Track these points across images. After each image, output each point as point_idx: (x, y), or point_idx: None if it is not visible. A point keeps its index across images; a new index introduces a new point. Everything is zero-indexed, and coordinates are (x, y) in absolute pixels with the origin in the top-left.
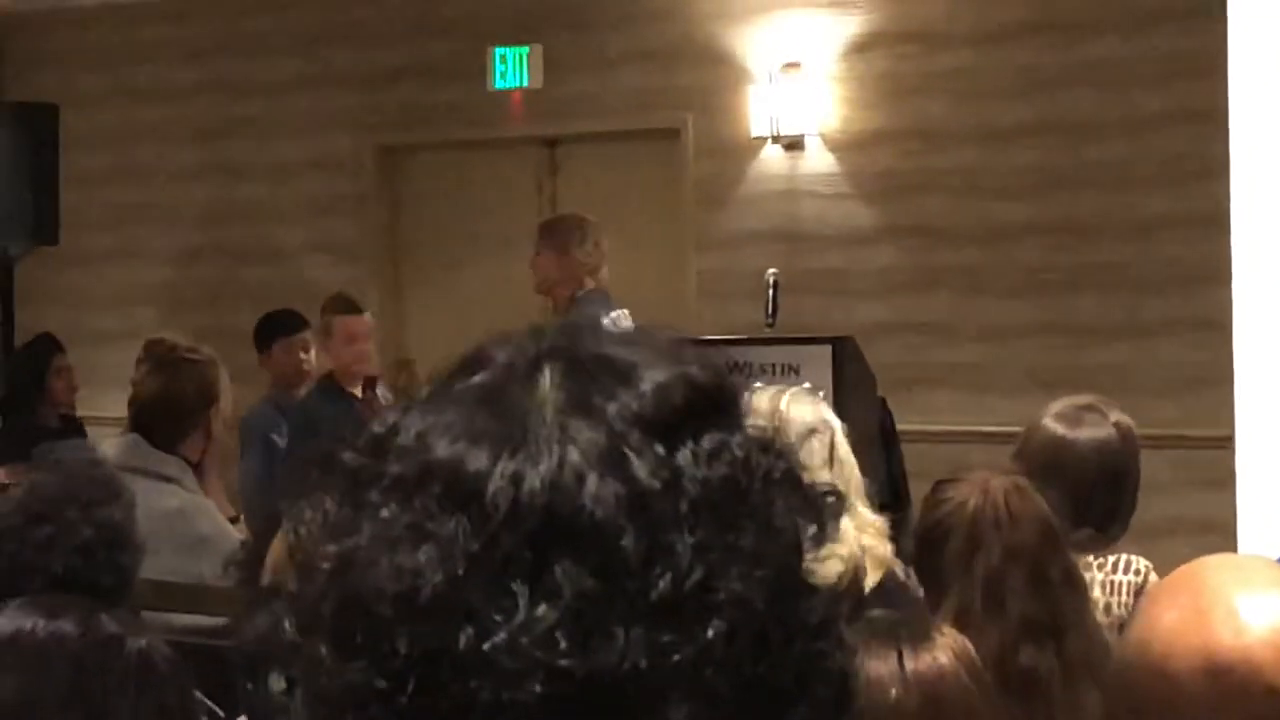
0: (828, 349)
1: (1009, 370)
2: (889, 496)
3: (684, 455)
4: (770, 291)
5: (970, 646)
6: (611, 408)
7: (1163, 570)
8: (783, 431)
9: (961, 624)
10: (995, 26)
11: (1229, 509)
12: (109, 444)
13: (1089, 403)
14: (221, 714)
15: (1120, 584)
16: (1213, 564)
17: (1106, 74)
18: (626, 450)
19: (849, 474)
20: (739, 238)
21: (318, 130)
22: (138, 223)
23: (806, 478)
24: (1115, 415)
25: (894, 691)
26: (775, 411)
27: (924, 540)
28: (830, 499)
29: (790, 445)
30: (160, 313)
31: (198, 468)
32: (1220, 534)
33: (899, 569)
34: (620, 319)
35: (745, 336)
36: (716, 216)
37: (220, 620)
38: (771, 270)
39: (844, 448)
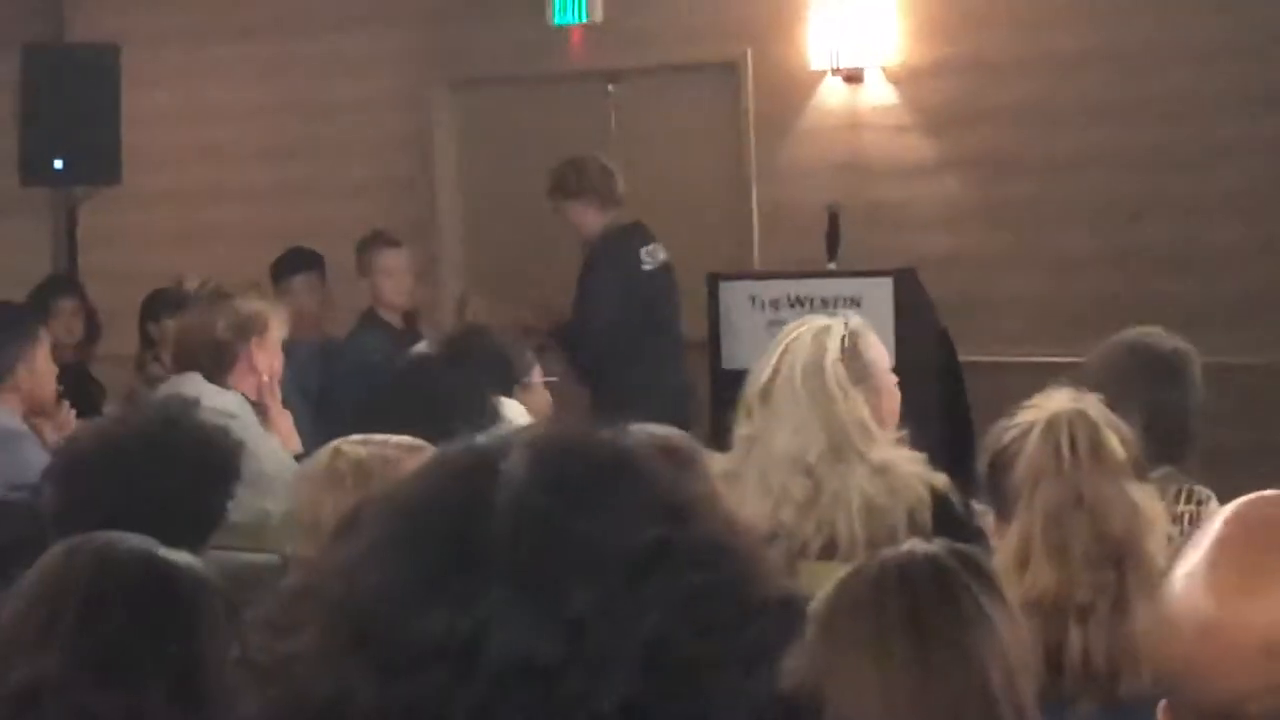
0: (889, 282)
1: (1073, 301)
2: (950, 427)
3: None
4: (831, 224)
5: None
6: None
7: (1229, 500)
8: (778, 375)
9: (1022, 558)
10: None
11: None
12: (170, 383)
13: (1151, 331)
14: None
15: (1181, 514)
16: (1232, 523)
17: (1169, 2)
18: None
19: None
20: (799, 171)
21: (379, 67)
22: (200, 163)
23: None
24: (1176, 343)
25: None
26: (777, 348)
27: (992, 465)
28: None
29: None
30: (224, 252)
31: (257, 404)
32: None
33: (955, 499)
34: (655, 251)
35: (806, 270)
36: (776, 150)
37: (283, 558)
38: (831, 203)
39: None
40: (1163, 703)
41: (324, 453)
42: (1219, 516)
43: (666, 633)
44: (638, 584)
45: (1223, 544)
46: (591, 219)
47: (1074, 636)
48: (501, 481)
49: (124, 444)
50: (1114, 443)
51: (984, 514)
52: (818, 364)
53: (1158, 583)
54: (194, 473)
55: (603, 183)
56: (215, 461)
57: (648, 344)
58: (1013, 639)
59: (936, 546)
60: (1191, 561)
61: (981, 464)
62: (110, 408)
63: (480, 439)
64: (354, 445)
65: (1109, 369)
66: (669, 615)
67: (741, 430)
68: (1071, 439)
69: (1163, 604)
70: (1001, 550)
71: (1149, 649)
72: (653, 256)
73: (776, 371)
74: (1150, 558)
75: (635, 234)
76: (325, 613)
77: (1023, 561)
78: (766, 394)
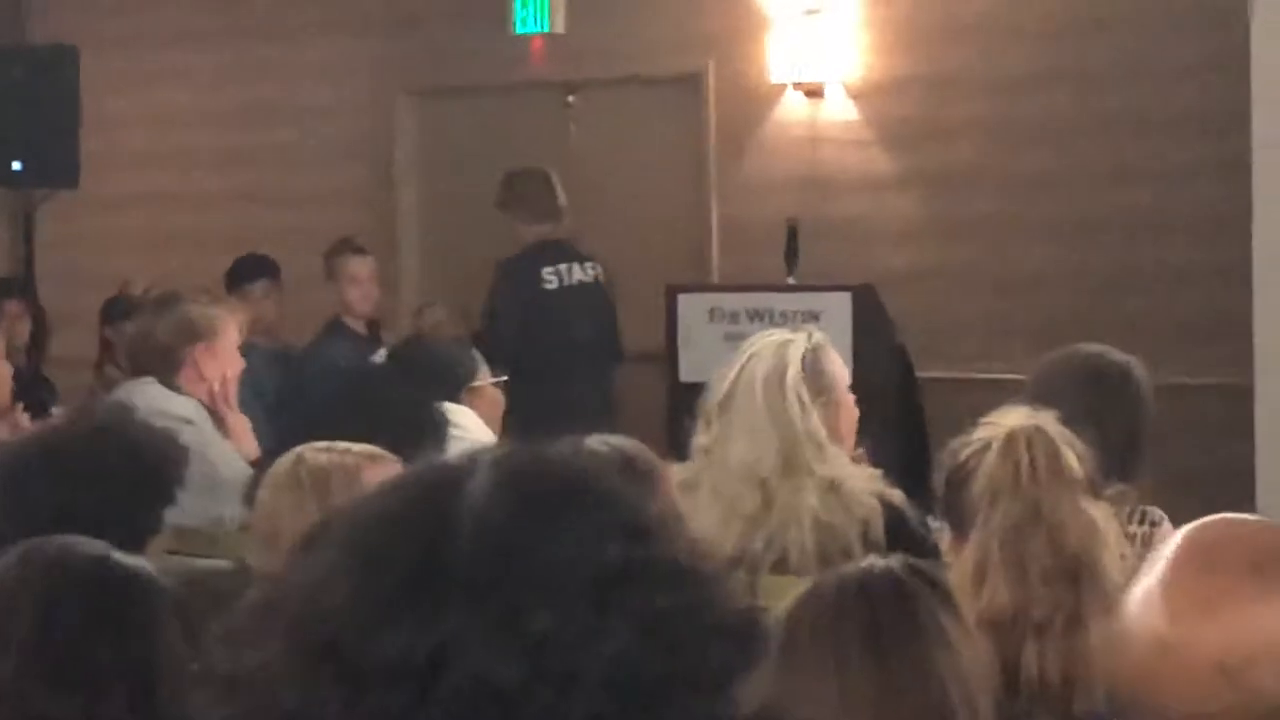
0: (847, 297)
1: (1030, 319)
2: (907, 444)
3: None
4: (790, 238)
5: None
6: None
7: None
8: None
9: (979, 574)
10: None
11: (1249, 458)
12: (124, 388)
13: (1095, 346)
14: None
15: (1134, 535)
16: (1190, 540)
17: (1131, 20)
18: None
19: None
20: (759, 184)
21: (341, 74)
22: (159, 167)
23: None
24: (1123, 358)
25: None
26: (738, 361)
27: (949, 481)
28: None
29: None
30: (183, 257)
31: (211, 410)
32: (1240, 483)
33: (911, 515)
34: (567, 270)
35: (765, 284)
36: (736, 163)
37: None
38: (791, 217)
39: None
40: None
41: (286, 460)
42: (1175, 537)
43: (629, 653)
44: (600, 605)
45: (1179, 564)
46: (520, 232)
47: (1029, 653)
48: (466, 501)
49: (57, 450)
50: (1072, 460)
51: (939, 531)
52: (778, 376)
53: (1114, 599)
54: (127, 478)
55: (533, 196)
56: (150, 467)
57: (557, 360)
58: (970, 655)
59: (894, 562)
60: (1148, 581)
61: (938, 480)
62: (57, 411)
63: (447, 457)
64: (316, 453)
65: (1054, 384)
66: (631, 636)
67: (700, 439)
68: (1030, 456)
69: (1118, 622)
70: (958, 566)
71: (1104, 666)
72: (560, 275)
73: (737, 382)
74: (1106, 574)
75: (546, 251)
76: (289, 627)
77: (980, 578)
78: (726, 404)
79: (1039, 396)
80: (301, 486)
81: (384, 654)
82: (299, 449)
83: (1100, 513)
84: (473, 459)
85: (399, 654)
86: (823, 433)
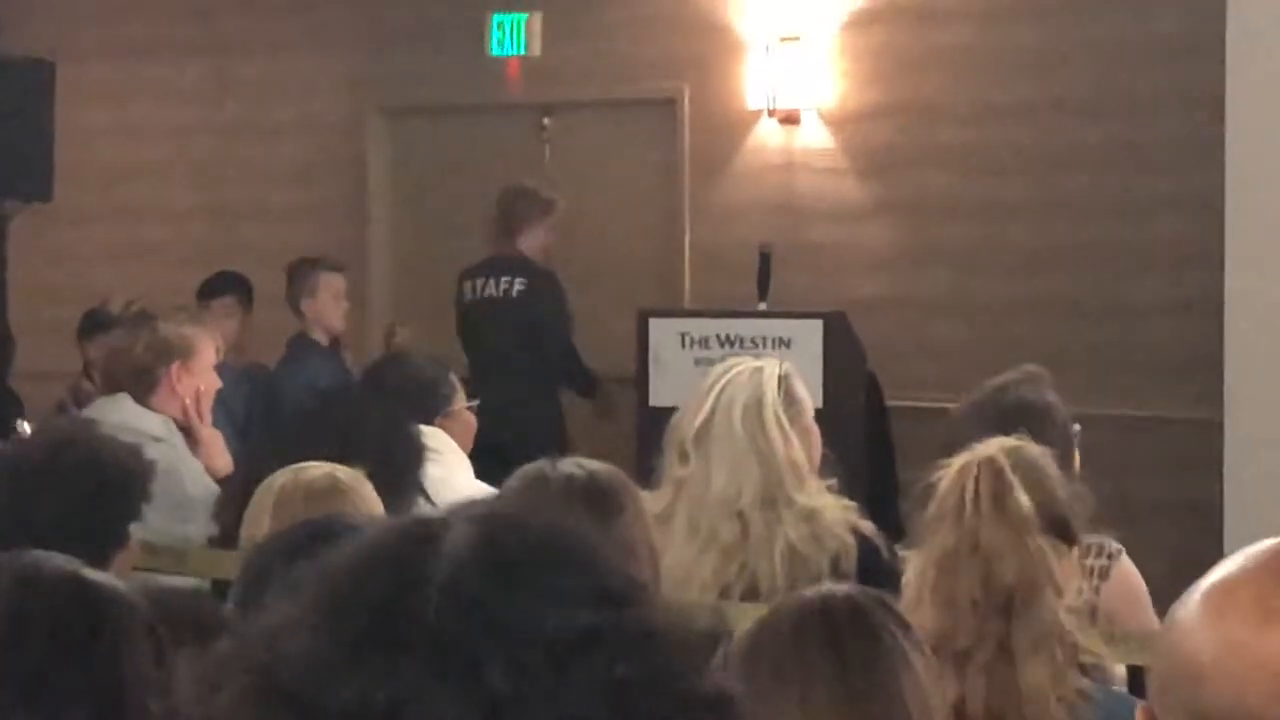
0: (819, 324)
1: (1001, 348)
2: (876, 471)
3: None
4: (762, 265)
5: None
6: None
7: (1148, 554)
8: (714, 416)
9: (916, 599)
10: (995, 3)
11: (1217, 492)
12: (98, 404)
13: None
14: None
15: (1091, 568)
16: None
17: (1106, 53)
18: None
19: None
20: (733, 210)
21: (315, 92)
22: (133, 182)
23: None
24: (1042, 394)
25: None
26: (712, 389)
27: (919, 500)
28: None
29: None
30: (154, 272)
31: (184, 426)
32: (1208, 517)
33: (882, 547)
34: (483, 285)
35: (737, 309)
36: (711, 188)
37: (203, 582)
38: (764, 243)
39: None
40: (1141, 704)
41: (279, 478)
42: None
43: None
44: (562, 670)
45: (1272, 563)
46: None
47: (949, 683)
48: (440, 557)
49: (17, 462)
50: (1019, 497)
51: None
52: (756, 404)
53: (1050, 635)
54: (88, 492)
55: (495, 214)
56: (113, 481)
57: (477, 373)
58: (929, 681)
59: (853, 589)
60: (1233, 570)
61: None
62: (22, 425)
63: (427, 511)
64: (298, 472)
65: (974, 429)
66: (593, 703)
67: (676, 472)
68: (976, 486)
69: (1192, 604)
70: (905, 589)
71: (1155, 650)
72: (476, 289)
73: (713, 412)
74: (1044, 609)
75: (476, 266)
76: (252, 670)
77: (915, 602)
78: (703, 435)
79: (957, 443)
80: (286, 508)
81: (342, 701)
82: (295, 467)
83: (1050, 550)
84: (453, 515)
85: (351, 706)
86: (804, 461)
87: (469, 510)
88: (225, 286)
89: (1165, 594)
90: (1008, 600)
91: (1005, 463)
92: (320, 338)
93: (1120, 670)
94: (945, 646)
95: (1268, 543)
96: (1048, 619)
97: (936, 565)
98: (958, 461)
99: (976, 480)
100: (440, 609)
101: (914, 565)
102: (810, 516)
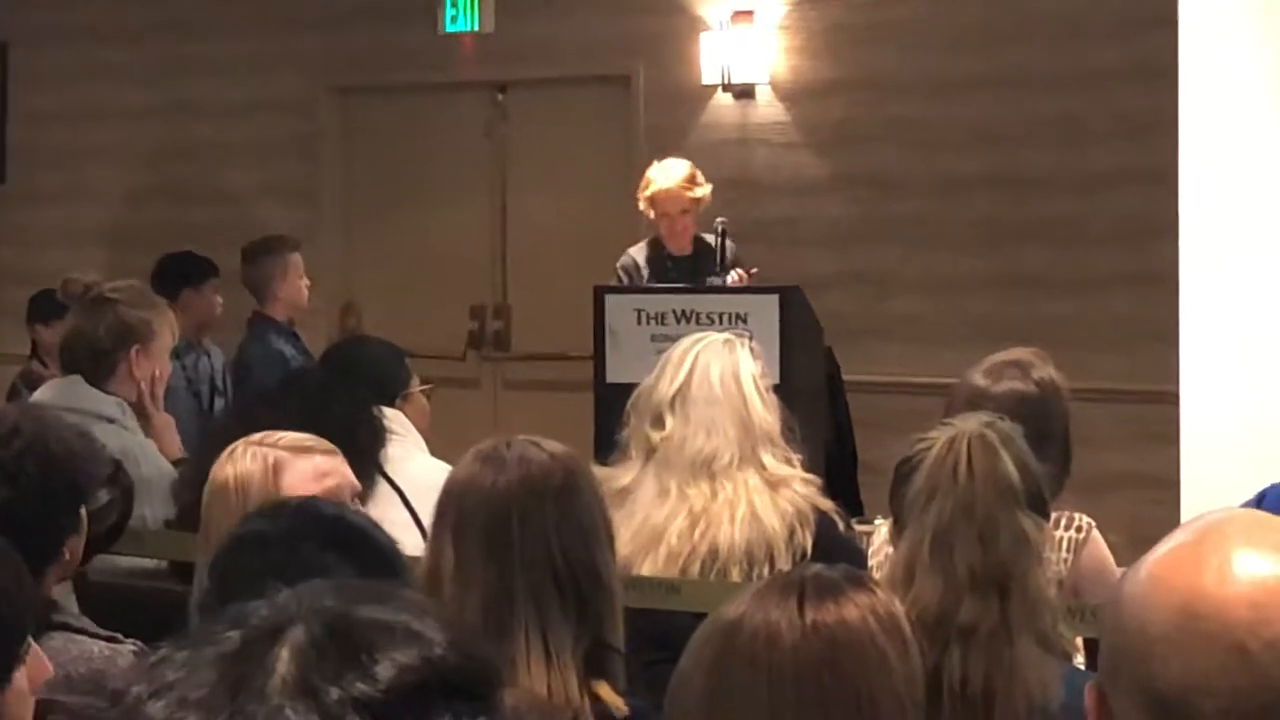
0: (775, 298)
1: (957, 322)
2: (834, 447)
3: None
4: (719, 240)
5: (895, 603)
6: (333, 693)
7: (1106, 525)
8: (692, 379)
9: (909, 571)
10: None
11: (1174, 464)
12: (49, 385)
13: (1016, 358)
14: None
15: (1061, 540)
16: (1239, 516)
17: (1058, 26)
18: None
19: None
20: None
21: (269, 71)
22: (87, 162)
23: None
24: (1041, 372)
25: (789, 639)
26: (686, 356)
27: (897, 473)
28: None
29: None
30: (109, 253)
31: (138, 409)
32: (1165, 489)
33: (840, 523)
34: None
35: (693, 285)
36: None
37: (161, 563)
38: (720, 219)
39: (755, 399)
40: (1090, 682)
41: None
42: (1219, 512)
43: None
44: None
45: (1222, 533)
46: None
47: (954, 657)
48: (278, 651)
49: None
50: (1009, 469)
51: (866, 531)
52: (734, 369)
53: (1040, 613)
54: (39, 477)
55: None
56: (63, 466)
57: None
58: (906, 672)
59: (834, 571)
60: (1181, 541)
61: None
62: None
63: (272, 603)
64: (245, 448)
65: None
66: None
67: (650, 437)
68: (969, 458)
69: (1139, 578)
70: (890, 564)
71: (1103, 626)
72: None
73: (691, 374)
74: (1035, 588)
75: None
76: None
77: (909, 577)
78: (682, 398)
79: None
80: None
81: None
82: (258, 436)
83: (1034, 528)
84: (297, 605)
85: None
86: (776, 430)
87: (310, 598)
88: (191, 267)
89: (1123, 566)
90: (1003, 576)
91: (994, 436)
92: (279, 317)
93: (1078, 644)
94: (947, 621)
95: (1212, 514)
96: (1039, 592)
97: (931, 538)
98: (942, 436)
99: (969, 452)
100: (275, 697)
101: (907, 539)
102: (776, 484)
